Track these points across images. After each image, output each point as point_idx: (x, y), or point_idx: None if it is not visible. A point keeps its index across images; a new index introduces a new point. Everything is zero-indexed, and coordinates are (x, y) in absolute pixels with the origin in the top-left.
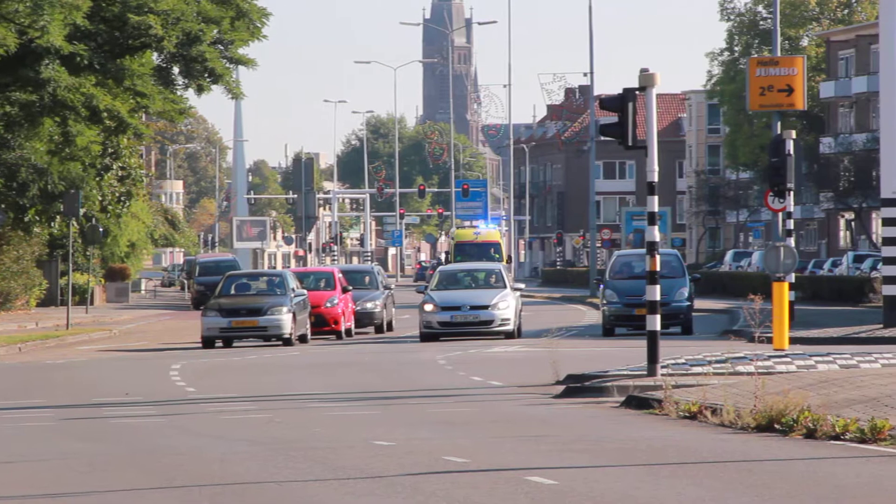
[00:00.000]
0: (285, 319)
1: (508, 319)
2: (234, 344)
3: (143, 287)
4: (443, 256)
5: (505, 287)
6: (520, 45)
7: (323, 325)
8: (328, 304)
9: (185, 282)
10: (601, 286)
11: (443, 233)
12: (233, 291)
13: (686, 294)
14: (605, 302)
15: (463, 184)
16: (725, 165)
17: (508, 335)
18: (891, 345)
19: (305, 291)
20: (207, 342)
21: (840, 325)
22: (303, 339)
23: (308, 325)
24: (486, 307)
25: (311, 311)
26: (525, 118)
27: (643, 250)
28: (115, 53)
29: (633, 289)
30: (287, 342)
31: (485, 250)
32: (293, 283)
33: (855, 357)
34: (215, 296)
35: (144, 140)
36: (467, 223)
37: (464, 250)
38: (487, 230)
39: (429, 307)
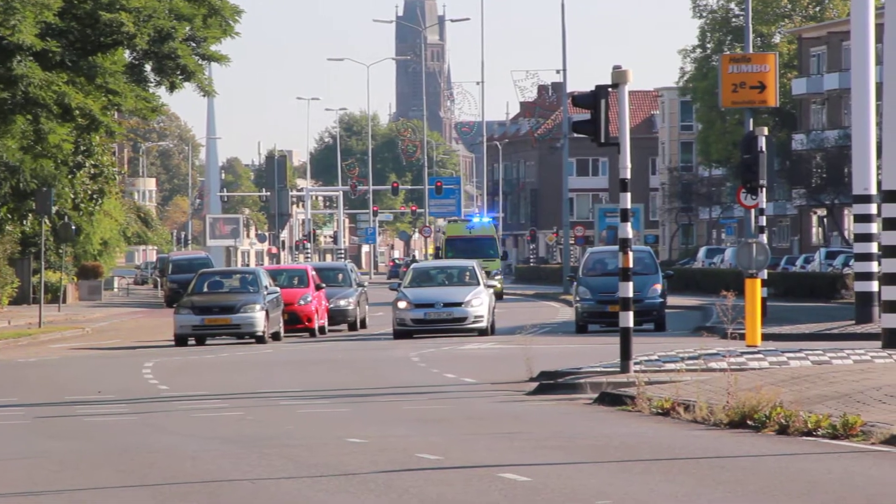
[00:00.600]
0: (258, 317)
1: (482, 316)
2: (207, 342)
3: (115, 285)
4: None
5: (478, 284)
6: (493, 43)
7: (296, 322)
8: (301, 302)
9: (158, 280)
10: (574, 283)
11: (416, 230)
12: (206, 289)
13: (659, 291)
14: (578, 299)
15: (436, 181)
16: (698, 162)
17: (482, 332)
18: (863, 341)
19: (278, 289)
20: (180, 340)
21: (812, 321)
22: (276, 336)
23: (281, 323)
24: (459, 304)
25: (285, 309)
26: (498, 115)
27: (616, 247)
28: (86, 51)
29: (606, 286)
30: (260, 340)
31: (478, 245)
32: (266, 280)
33: (827, 353)
34: (188, 293)
35: (117, 138)
36: (459, 218)
37: (455, 245)
38: (481, 225)
39: (402, 304)
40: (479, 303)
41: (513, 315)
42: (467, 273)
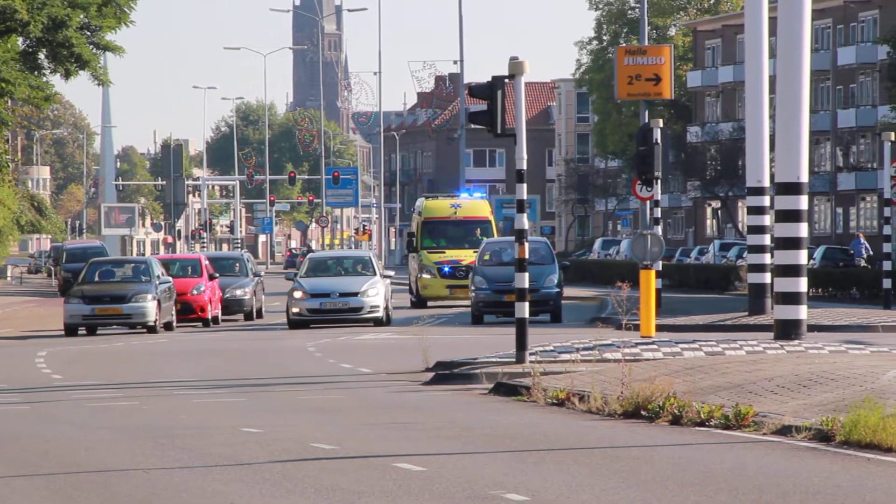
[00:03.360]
0: (149, 307)
1: (378, 306)
2: (98, 331)
3: (9, 274)
4: (314, 244)
5: (375, 274)
6: (390, 33)
7: (189, 312)
8: (194, 292)
9: (52, 268)
10: (470, 273)
11: (313, 220)
12: (96, 278)
13: (555, 281)
14: (473, 288)
15: (333, 171)
16: (594, 154)
17: (378, 322)
18: (756, 332)
19: (171, 279)
20: (70, 330)
21: (706, 312)
22: (168, 326)
23: (174, 313)
24: (355, 294)
25: (177, 299)
26: (395, 106)
27: (513, 238)
28: None
29: (502, 275)
30: (151, 330)
31: (467, 230)
32: (158, 270)
33: (720, 344)
34: (78, 283)
35: (9, 126)
36: (440, 194)
37: (434, 231)
38: (471, 202)
39: (298, 294)
40: (374, 293)
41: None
42: (362, 263)
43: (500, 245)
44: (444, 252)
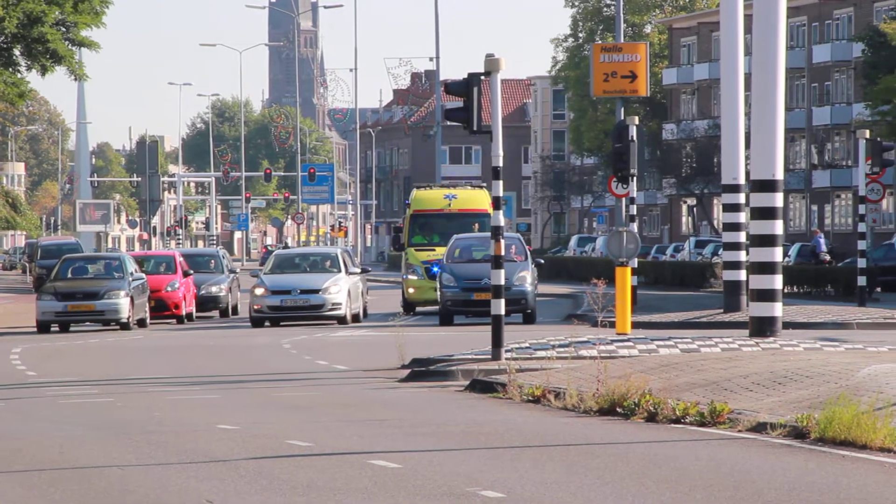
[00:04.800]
0: (123, 303)
1: (339, 304)
2: (73, 328)
3: None
4: (290, 241)
5: (339, 271)
6: (366, 30)
7: (163, 309)
8: (168, 289)
9: (27, 265)
10: (438, 270)
11: (288, 217)
12: (69, 275)
13: (528, 279)
14: (441, 286)
15: (309, 168)
16: (570, 151)
17: (341, 320)
18: (731, 329)
19: (144, 275)
20: (42, 326)
21: (681, 309)
22: (141, 323)
23: (147, 310)
24: (316, 291)
25: (151, 296)
26: (371, 103)
27: (484, 234)
28: None
29: (471, 273)
30: (125, 326)
31: (463, 225)
32: (132, 266)
33: (696, 341)
34: (51, 279)
35: None
36: (433, 184)
37: (428, 225)
38: (469, 192)
39: (259, 291)
40: (337, 290)
41: (385, 302)
42: (329, 260)
43: (469, 241)
44: (434, 250)
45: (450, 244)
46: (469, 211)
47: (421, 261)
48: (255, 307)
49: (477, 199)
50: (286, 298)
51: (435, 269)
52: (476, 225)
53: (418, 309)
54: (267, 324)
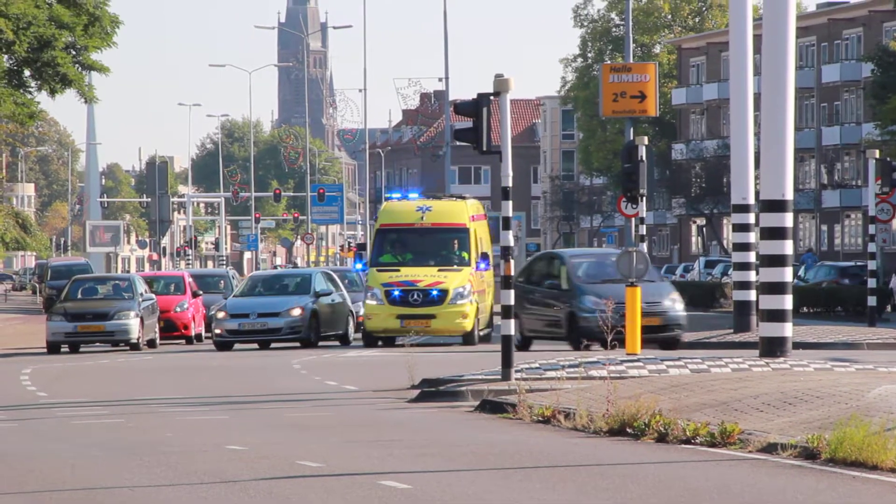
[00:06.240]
0: (132, 324)
1: (300, 327)
2: (83, 349)
3: None
4: (299, 261)
5: (307, 293)
6: (375, 50)
7: (172, 330)
8: (178, 309)
9: (37, 286)
10: (564, 294)
11: (298, 237)
12: (79, 295)
13: (680, 302)
14: (579, 308)
15: (319, 188)
16: (579, 171)
17: (305, 343)
18: (741, 349)
19: (154, 296)
20: (53, 347)
21: (691, 329)
22: (151, 343)
23: (157, 330)
24: (276, 314)
25: (161, 316)
26: (381, 123)
27: (607, 250)
28: None
29: (615, 295)
30: (135, 347)
31: (438, 243)
32: (141, 287)
33: (706, 361)
34: (61, 300)
35: None
36: (405, 194)
37: (398, 243)
38: (446, 204)
39: (220, 314)
40: (298, 313)
41: None
42: (302, 282)
43: (591, 257)
44: (398, 270)
45: (569, 262)
46: (445, 225)
47: (381, 283)
48: (217, 331)
49: (454, 211)
50: (244, 322)
51: (396, 292)
52: (455, 242)
53: (379, 341)
54: (237, 347)
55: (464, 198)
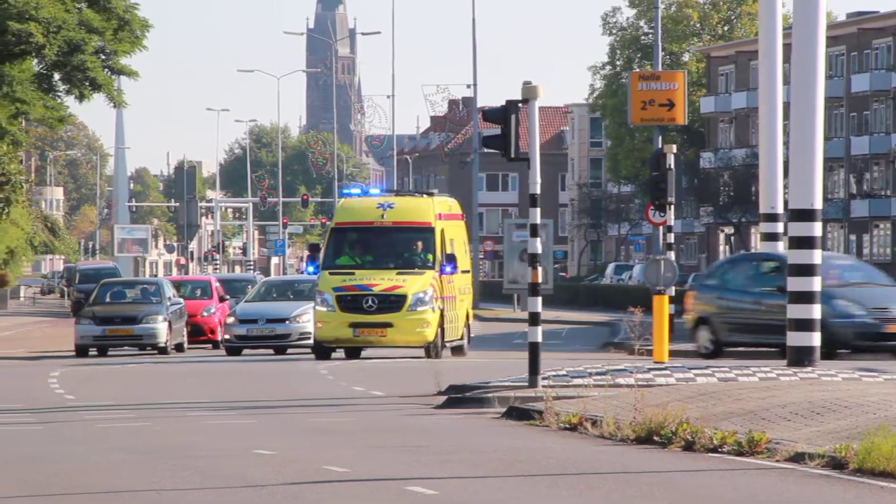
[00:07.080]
0: (160, 328)
1: (309, 333)
2: (111, 352)
3: (22, 294)
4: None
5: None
6: (404, 56)
7: (199, 334)
8: (205, 314)
9: (65, 289)
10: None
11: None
12: (108, 299)
13: None
14: (835, 315)
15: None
16: (607, 179)
17: (314, 349)
18: (769, 359)
19: (182, 300)
20: (81, 350)
21: None
22: (179, 347)
23: (185, 334)
24: (283, 320)
25: (188, 321)
26: (409, 129)
27: (847, 260)
28: None
29: (877, 299)
30: (162, 351)
31: (400, 244)
32: (169, 291)
33: (733, 370)
34: (89, 304)
35: (24, 146)
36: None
37: (355, 244)
38: (410, 201)
39: (230, 319)
40: (307, 319)
41: None
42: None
43: (842, 263)
44: (352, 273)
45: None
46: (407, 224)
47: (332, 287)
48: (226, 336)
49: (419, 209)
50: (252, 328)
51: (349, 297)
52: (419, 243)
53: (332, 354)
54: (246, 352)
55: (431, 194)
